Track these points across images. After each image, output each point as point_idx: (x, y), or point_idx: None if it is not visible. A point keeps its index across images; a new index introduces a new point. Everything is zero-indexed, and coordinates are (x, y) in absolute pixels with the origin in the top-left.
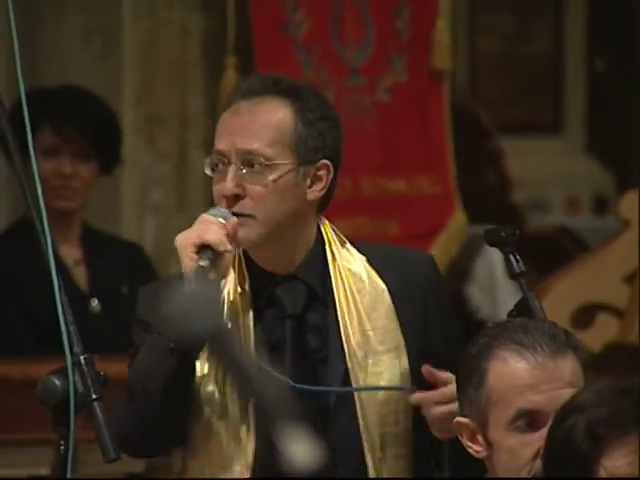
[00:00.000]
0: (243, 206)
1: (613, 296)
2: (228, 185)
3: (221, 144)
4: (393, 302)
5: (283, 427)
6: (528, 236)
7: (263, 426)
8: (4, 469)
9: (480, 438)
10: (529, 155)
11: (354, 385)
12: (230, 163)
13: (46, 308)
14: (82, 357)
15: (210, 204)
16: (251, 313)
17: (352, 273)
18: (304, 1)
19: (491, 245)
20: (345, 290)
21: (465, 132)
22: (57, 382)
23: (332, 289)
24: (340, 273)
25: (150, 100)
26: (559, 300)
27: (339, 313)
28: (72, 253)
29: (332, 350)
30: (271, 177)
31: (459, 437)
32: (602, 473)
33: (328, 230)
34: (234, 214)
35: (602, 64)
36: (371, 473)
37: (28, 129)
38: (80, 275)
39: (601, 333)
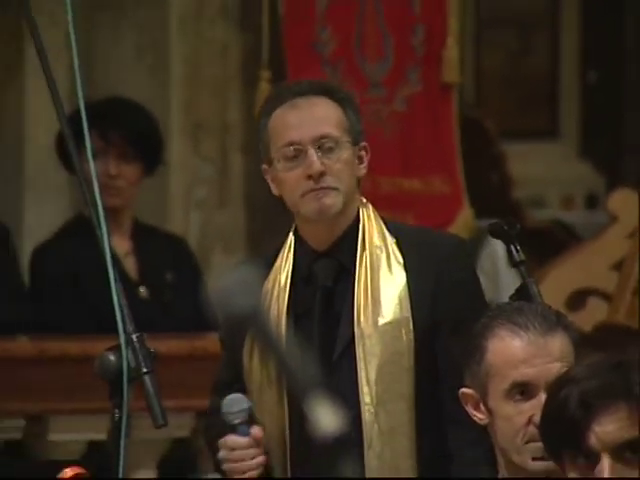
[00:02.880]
0: (328, 181)
1: (603, 282)
2: (316, 164)
3: (293, 135)
4: (407, 279)
5: (311, 397)
6: (527, 229)
7: (294, 396)
8: (68, 434)
9: (482, 407)
10: (529, 158)
11: (358, 348)
12: (305, 149)
13: (101, 293)
14: (134, 336)
15: (249, 200)
16: (288, 286)
17: (377, 251)
18: (330, 21)
19: (494, 237)
20: (366, 266)
21: (472, 138)
22: (112, 358)
23: (354, 264)
24: (366, 250)
25: (195, 109)
26: (555, 286)
27: (356, 285)
28: (123, 245)
29: (344, 317)
30: (343, 154)
31: (465, 406)
32: (592, 438)
33: (366, 211)
34: (322, 188)
35: (594, 77)
36: (365, 428)
37: (87, 136)
38: (130, 264)
39: (592, 315)
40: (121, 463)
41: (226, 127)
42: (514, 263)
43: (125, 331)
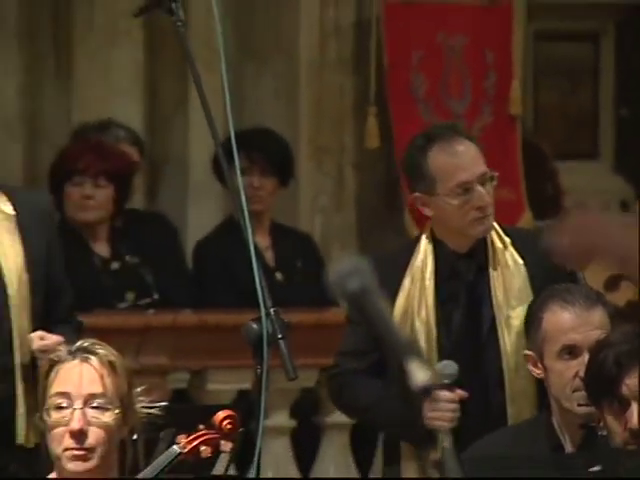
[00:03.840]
0: (490, 209)
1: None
2: (486, 198)
3: (464, 176)
4: (527, 272)
5: (408, 357)
6: None
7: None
8: (222, 384)
9: (539, 365)
10: (576, 174)
11: (499, 327)
12: (473, 187)
13: (247, 277)
14: (272, 310)
15: (360, 206)
16: (433, 280)
17: (501, 251)
18: (423, 68)
19: None
20: (497, 263)
21: (531, 157)
22: (255, 326)
23: (488, 262)
24: (496, 251)
25: (318, 136)
26: (595, 271)
27: (490, 278)
28: (263, 241)
29: (485, 303)
30: (493, 184)
31: (526, 364)
32: (624, 388)
33: None
34: (486, 216)
35: (626, 112)
36: (507, 388)
37: (236, 157)
38: (269, 255)
39: (624, 294)
40: (262, 407)
41: (342, 150)
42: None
43: (265, 306)
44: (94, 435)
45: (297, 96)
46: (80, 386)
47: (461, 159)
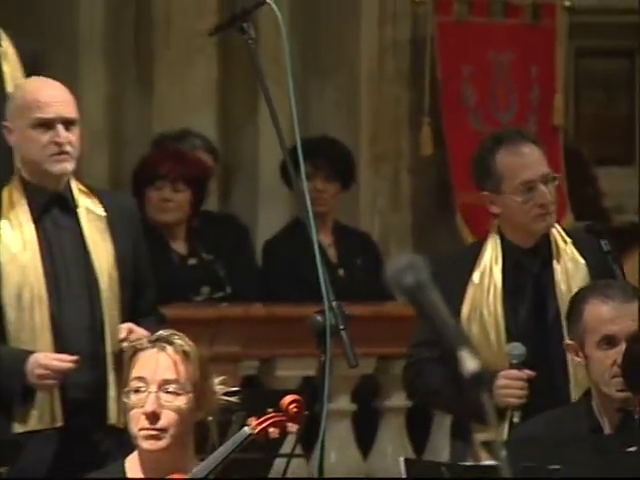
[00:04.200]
0: (553, 207)
1: None
2: (548, 197)
3: (528, 175)
4: (587, 270)
5: (460, 346)
6: (612, 228)
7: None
8: (289, 371)
9: (580, 353)
10: (613, 177)
11: (563, 316)
12: (536, 185)
13: (312, 274)
14: (334, 303)
15: (415, 207)
16: (501, 272)
17: (563, 248)
18: (472, 81)
19: (590, 233)
20: (559, 256)
21: (573, 163)
22: (319, 318)
23: (552, 258)
24: (559, 248)
25: (377, 144)
26: (632, 268)
27: (554, 271)
28: (326, 239)
29: (549, 294)
30: (554, 185)
31: (568, 353)
32: None
33: None
34: (548, 213)
35: None
36: (571, 374)
37: (301, 163)
38: (332, 253)
39: None
40: (326, 392)
41: (398, 156)
42: (603, 252)
43: (328, 299)
44: (166, 417)
45: (357, 107)
46: (155, 372)
47: (526, 159)
